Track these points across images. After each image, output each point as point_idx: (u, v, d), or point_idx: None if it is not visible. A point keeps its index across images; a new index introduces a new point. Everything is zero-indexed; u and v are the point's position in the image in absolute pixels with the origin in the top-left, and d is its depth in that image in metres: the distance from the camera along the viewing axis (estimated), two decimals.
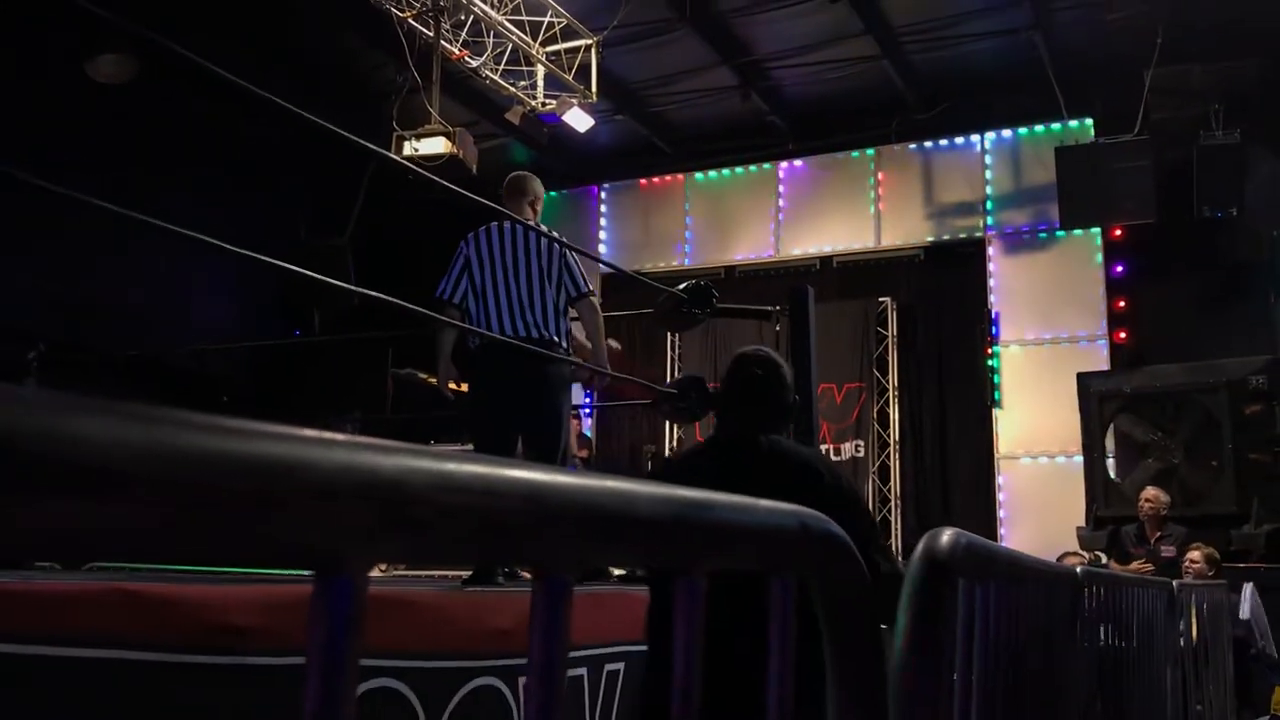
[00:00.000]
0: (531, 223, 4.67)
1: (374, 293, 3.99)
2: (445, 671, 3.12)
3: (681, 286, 5.46)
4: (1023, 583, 1.84)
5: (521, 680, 3.32)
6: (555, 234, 4.67)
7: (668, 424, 12.04)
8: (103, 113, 9.19)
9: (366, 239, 11.03)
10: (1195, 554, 6.94)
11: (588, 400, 11.31)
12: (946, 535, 1.11)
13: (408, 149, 8.41)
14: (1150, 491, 7.86)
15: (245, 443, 0.36)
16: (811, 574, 0.81)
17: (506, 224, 4.70)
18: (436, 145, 8.42)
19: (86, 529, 0.33)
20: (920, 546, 1.09)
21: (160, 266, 9.73)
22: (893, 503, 11.45)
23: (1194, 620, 5.03)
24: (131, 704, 2.41)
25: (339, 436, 0.38)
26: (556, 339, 4.51)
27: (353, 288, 4.30)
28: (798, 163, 12.34)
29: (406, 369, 11.44)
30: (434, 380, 11.02)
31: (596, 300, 4.64)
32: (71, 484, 0.32)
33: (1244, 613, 5.11)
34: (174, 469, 0.33)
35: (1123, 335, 10.76)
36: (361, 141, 3.99)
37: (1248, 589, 5.44)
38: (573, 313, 4.77)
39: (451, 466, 0.42)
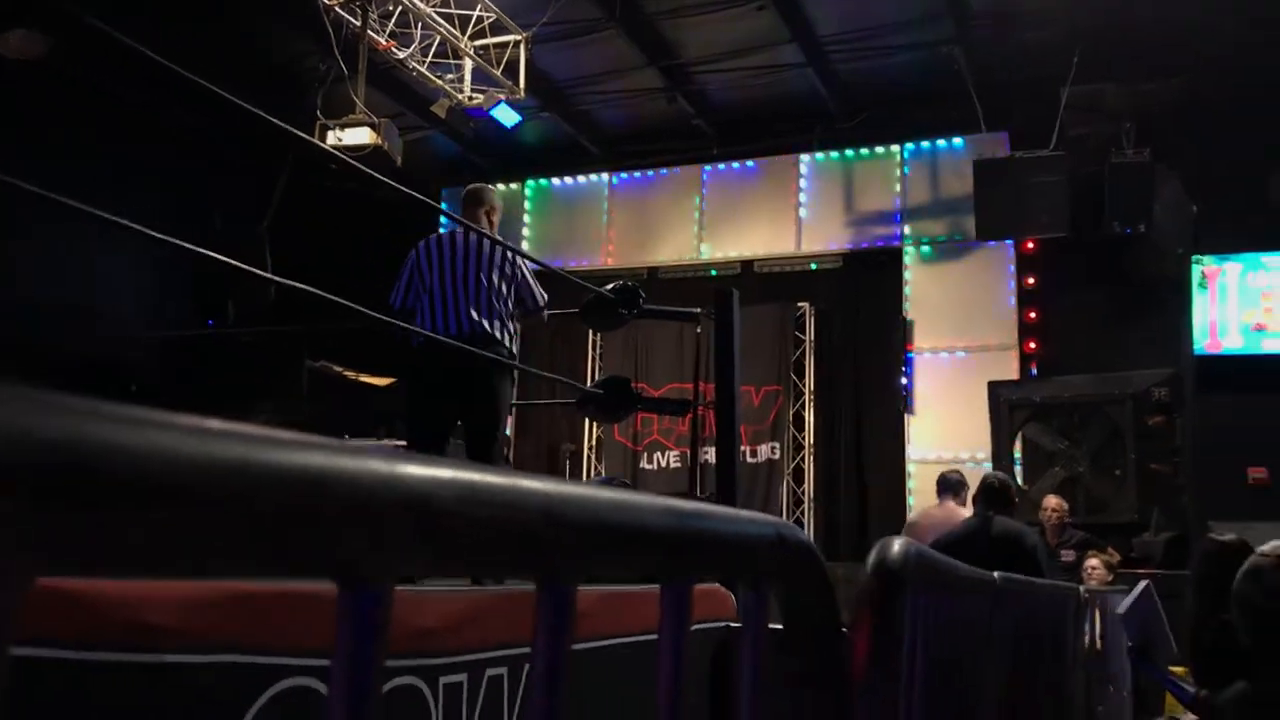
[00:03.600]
0: (487, 232, 4.66)
1: (294, 282, 3.92)
2: None
3: (609, 286, 5.45)
4: (956, 592, 1.87)
5: (442, 680, 3.28)
6: (507, 245, 4.66)
7: (588, 423, 12.03)
8: (11, 89, 8.89)
9: (285, 230, 10.83)
10: (1094, 560, 7.10)
11: None
12: (897, 545, 1.12)
13: (331, 139, 8.28)
14: (1051, 500, 8.07)
15: (279, 453, 0.35)
16: (780, 580, 0.82)
17: (459, 231, 4.71)
18: (361, 135, 8.30)
19: (118, 544, 0.32)
20: (873, 556, 1.10)
21: (69, 252, 9.43)
22: (806, 505, 11.59)
23: (1096, 625, 5.17)
24: (42, 703, 2.33)
25: (371, 447, 0.37)
26: (500, 338, 4.51)
27: (271, 276, 4.21)
28: (721, 166, 12.42)
29: (322, 362, 11.26)
30: (350, 374, 10.87)
31: (548, 314, 4.68)
32: (111, 499, 0.31)
33: (1121, 608, 5.28)
34: (213, 481, 0.32)
35: (1033, 345, 11.04)
36: (283, 125, 3.91)
37: (1139, 587, 5.62)
38: None
39: (478, 478, 0.41)
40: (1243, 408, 9.27)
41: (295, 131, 4.01)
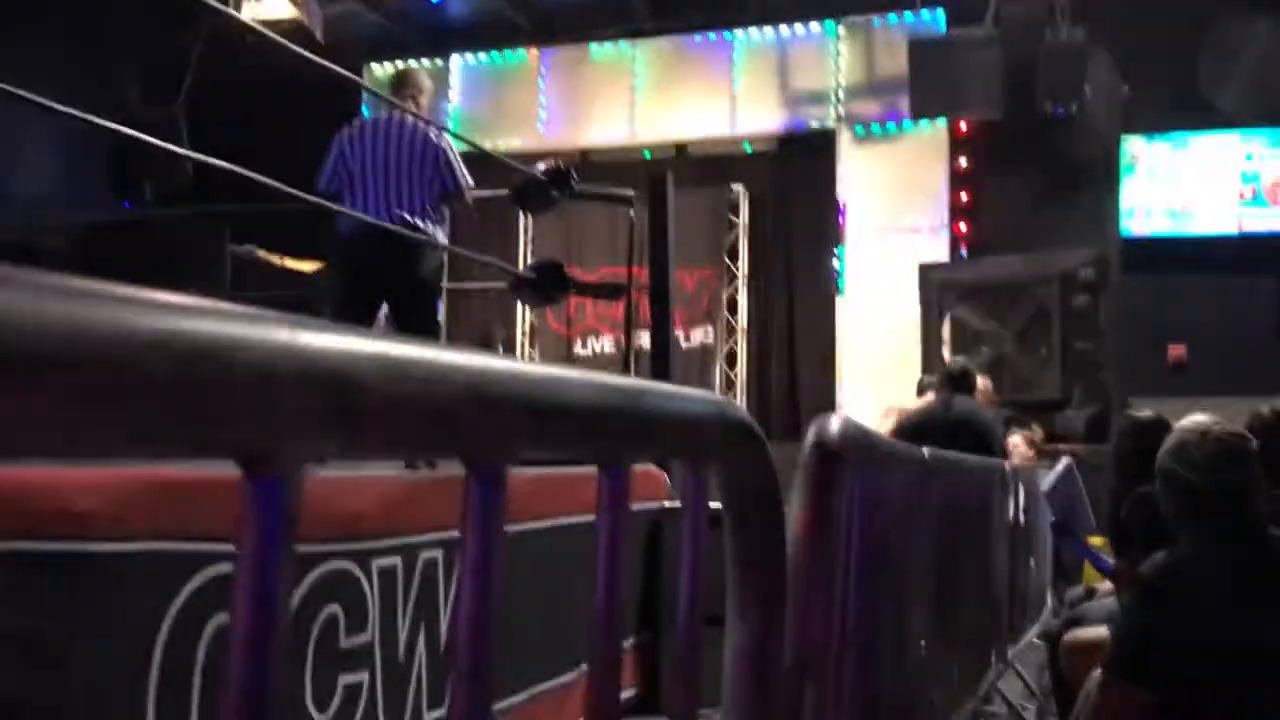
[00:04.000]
0: (413, 111, 4.50)
1: (211, 159, 3.77)
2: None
3: (540, 168, 5.33)
4: (889, 468, 1.88)
5: (376, 563, 3.28)
6: (439, 126, 4.51)
7: (520, 308, 11.94)
8: None
9: (202, 106, 10.41)
10: (1016, 438, 7.21)
11: None
12: (836, 423, 1.11)
13: (247, 11, 7.92)
14: (980, 383, 8.20)
15: (171, 319, 0.30)
16: (722, 458, 0.79)
17: (384, 117, 4.58)
18: (279, 9, 7.96)
19: None
20: (811, 434, 1.09)
21: None
22: (739, 387, 11.70)
23: (1020, 500, 5.31)
24: None
25: (278, 315, 0.33)
26: (424, 225, 4.40)
27: (190, 153, 4.05)
28: (654, 44, 12.14)
29: (246, 245, 10.98)
30: (276, 259, 10.62)
31: (472, 196, 4.52)
32: None
33: (1045, 485, 5.45)
34: (94, 350, 0.27)
35: (964, 227, 11.10)
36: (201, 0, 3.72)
37: (1060, 464, 5.81)
38: None
39: (398, 352, 0.37)
40: (1165, 288, 9.46)
41: (207, 1, 3.81)
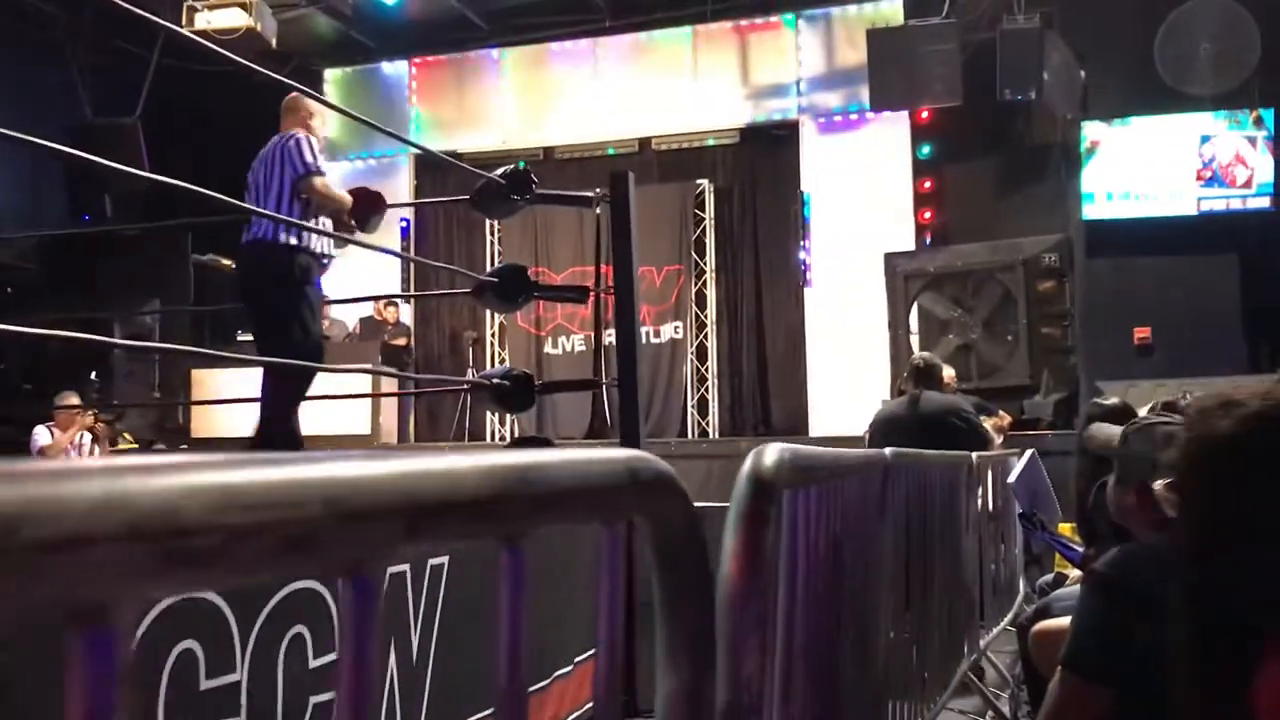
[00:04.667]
0: (303, 134, 4.40)
1: (165, 178, 3.72)
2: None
3: (499, 171, 5.29)
4: (840, 477, 1.89)
5: (340, 583, 3.26)
6: (298, 133, 4.40)
7: (489, 311, 11.91)
8: None
9: (159, 116, 10.31)
10: (984, 424, 7.22)
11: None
12: (771, 454, 1.10)
13: (200, 21, 7.84)
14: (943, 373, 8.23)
15: None
16: (642, 515, 0.79)
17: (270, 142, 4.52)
18: (232, 17, 7.89)
19: None
20: (746, 466, 1.08)
21: None
22: (710, 382, 11.72)
23: (989, 488, 5.34)
24: None
25: (89, 464, 0.32)
26: (284, 241, 4.29)
27: (143, 173, 3.99)
28: (615, 40, 12.11)
29: (209, 254, 10.88)
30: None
31: (321, 180, 4.35)
32: None
33: (1011, 477, 5.48)
34: None
35: (928, 215, 11.16)
36: (145, 14, 3.67)
37: (1026, 455, 5.83)
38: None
39: (237, 478, 0.36)
40: (1128, 270, 9.53)
41: (152, 18, 3.76)
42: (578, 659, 3.94)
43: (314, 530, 0.40)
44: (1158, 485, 2.25)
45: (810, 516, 1.50)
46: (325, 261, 4.47)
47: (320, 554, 0.40)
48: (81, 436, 7.85)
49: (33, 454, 7.68)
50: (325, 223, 4.43)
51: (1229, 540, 1.01)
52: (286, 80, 4.26)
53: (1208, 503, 1.06)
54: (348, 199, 4.45)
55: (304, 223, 4.31)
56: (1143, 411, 3.26)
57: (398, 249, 12.01)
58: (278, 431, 4.30)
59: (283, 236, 4.32)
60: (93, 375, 9.92)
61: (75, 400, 7.85)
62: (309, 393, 4.85)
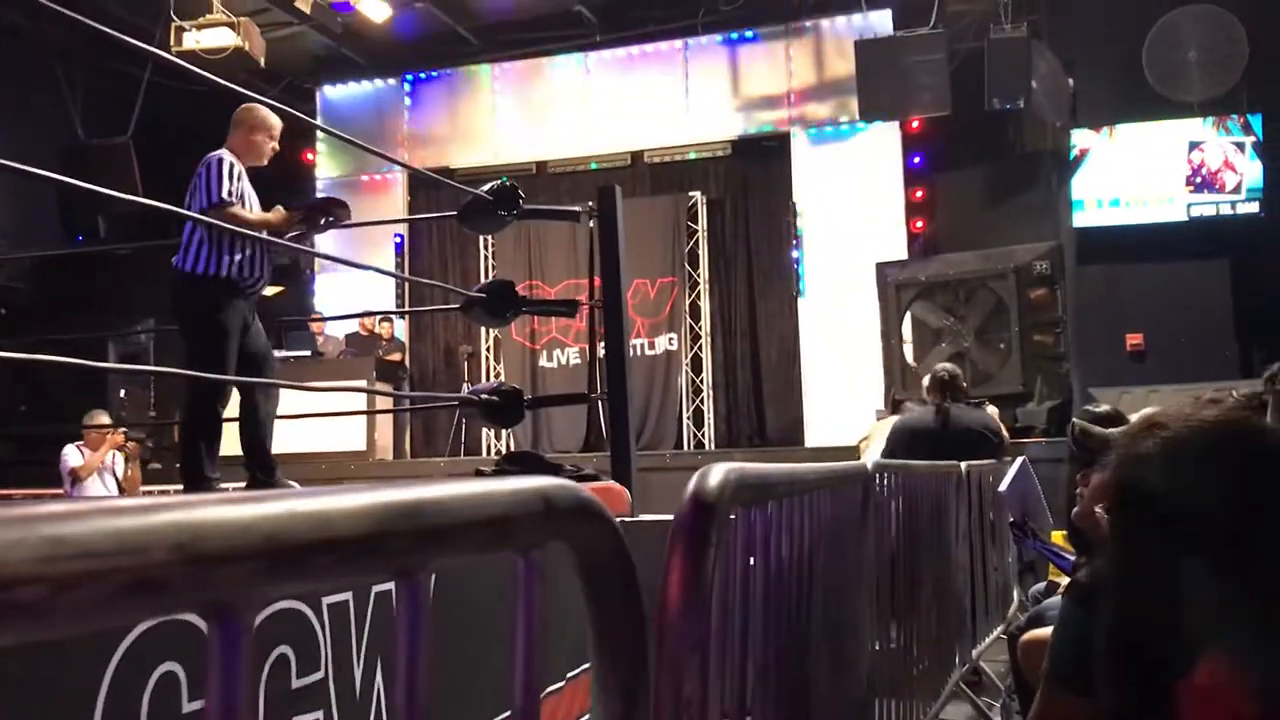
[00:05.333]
0: (224, 156, 4.28)
1: (156, 203, 3.73)
2: None
3: (486, 188, 5.30)
4: (805, 492, 1.88)
5: (326, 601, 3.25)
6: (216, 156, 4.27)
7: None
8: None
9: (151, 135, 10.33)
10: None
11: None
12: (716, 475, 1.10)
13: (189, 41, 7.85)
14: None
15: None
16: (563, 542, 0.79)
17: None
18: (220, 37, 7.89)
19: None
20: (690, 486, 1.08)
21: None
22: (705, 392, 11.72)
23: (980, 498, 5.33)
24: None
25: None
26: (187, 268, 4.18)
27: (133, 197, 3.99)
28: (606, 54, 12.15)
29: None
30: None
31: (230, 211, 4.16)
32: None
33: (1002, 486, 5.47)
34: None
35: (920, 224, 11.17)
36: (130, 41, 3.68)
37: (1016, 463, 5.82)
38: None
39: (64, 530, 0.36)
40: (1119, 277, 9.55)
41: (138, 44, 3.77)
42: (569, 674, 3.94)
43: (157, 576, 0.40)
44: (1098, 509, 2.24)
45: (768, 533, 1.50)
46: (245, 285, 4.30)
47: (166, 600, 0.40)
48: (113, 456, 7.79)
49: (63, 474, 7.57)
50: (247, 247, 4.26)
51: (1143, 572, 1.00)
52: (268, 100, 4.28)
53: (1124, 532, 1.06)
54: (270, 217, 4.32)
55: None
56: (1133, 419, 3.25)
57: (392, 265, 12.03)
58: (187, 480, 4.20)
59: (189, 265, 4.20)
60: (122, 393, 9.90)
61: (105, 419, 7.80)
62: (283, 411, 4.80)
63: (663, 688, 0.94)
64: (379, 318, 10.99)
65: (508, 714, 3.70)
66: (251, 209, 4.32)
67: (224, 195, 4.16)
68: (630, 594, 0.84)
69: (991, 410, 7.74)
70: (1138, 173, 9.46)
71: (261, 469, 4.41)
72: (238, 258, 4.23)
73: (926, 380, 6.60)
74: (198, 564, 0.41)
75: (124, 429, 8.07)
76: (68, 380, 9.39)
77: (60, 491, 7.68)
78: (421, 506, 0.55)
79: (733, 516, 1.33)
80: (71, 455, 7.57)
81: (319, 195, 4.53)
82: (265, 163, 4.41)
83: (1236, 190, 9.33)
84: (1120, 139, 9.56)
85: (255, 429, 4.40)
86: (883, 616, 3.22)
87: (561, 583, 0.80)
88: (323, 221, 4.46)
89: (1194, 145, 9.34)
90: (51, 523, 0.36)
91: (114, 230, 10.60)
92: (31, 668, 2.35)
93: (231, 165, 4.25)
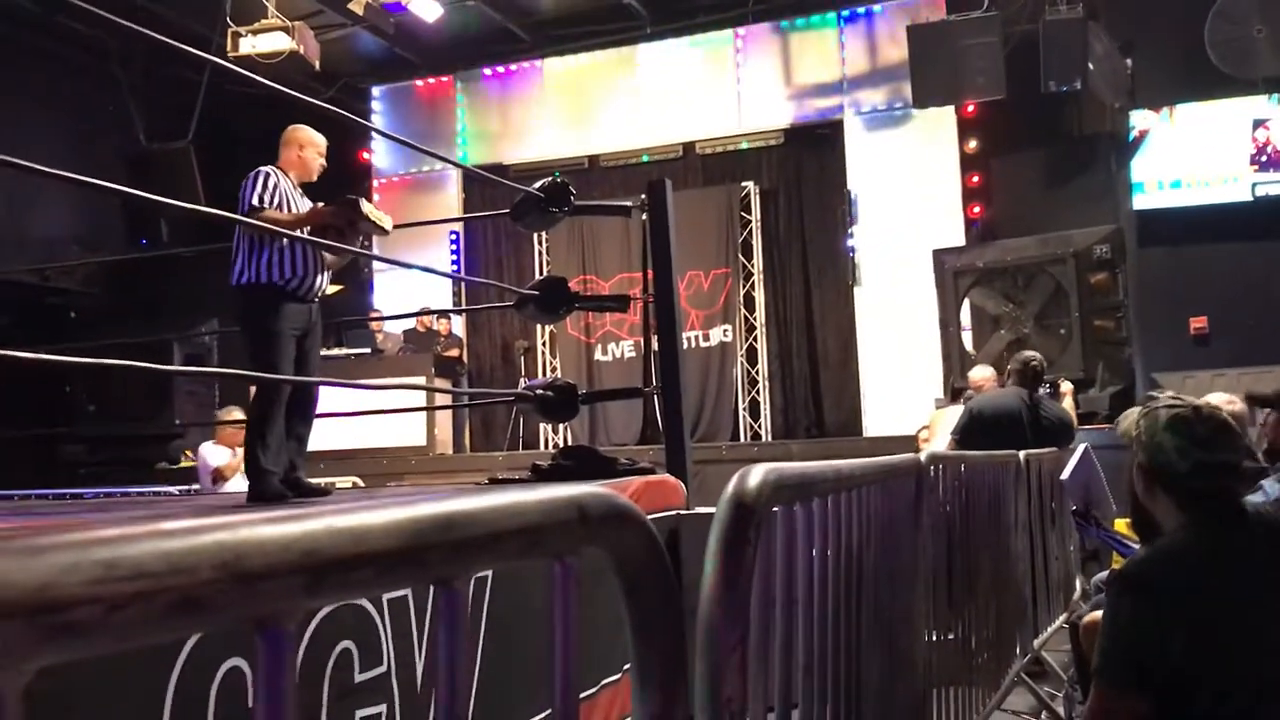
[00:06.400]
0: (265, 169, 4.39)
1: (214, 210, 3.82)
2: None
3: (538, 185, 5.35)
4: (852, 488, 1.89)
5: (386, 596, 3.32)
6: (258, 170, 4.37)
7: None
8: None
9: (212, 139, 10.53)
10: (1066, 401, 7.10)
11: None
12: (755, 476, 1.12)
13: (245, 46, 7.99)
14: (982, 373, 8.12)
15: None
16: (599, 548, 0.81)
17: None
18: (275, 41, 8.02)
19: None
20: (729, 488, 1.10)
21: None
22: (761, 384, 11.69)
23: (1040, 487, 5.28)
24: None
25: None
26: (237, 276, 4.31)
27: (186, 205, 4.08)
28: (656, 46, 12.15)
29: None
30: None
31: (262, 215, 4.24)
32: None
33: (1064, 474, 5.41)
34: None
35: (977, 210, 11.04)
36: (186, 48, 3.78)
37: (1079, 450, 5.75)
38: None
39: (117, 553, 0.39)
40: (1182, 260, 9.37)
41: (195, 51, 3.86)
42: (608, 679, 3.98)
43: (203, 594, 0.43)
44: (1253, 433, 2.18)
45: (810, 531, 1.52)
46: (293, 289, 4.39)
47: (212, 616, 0.44)
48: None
49: (202, 473, 7.56)
50: (286, 250, 4.36)
51: None
52: (321, 103, 4.35)
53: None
54: (302, 215, 4.41)
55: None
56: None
57: (448, 261, 12.15)
58: (250, 473, 4.32)
59: (236, 278, 4.33)
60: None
61: (239, 415, 7.84)
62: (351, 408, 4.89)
63: (704, 689, 0.96)
64: (436, 314, 11.12)
65: (548, 712, 3.75)
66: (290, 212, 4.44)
67: (254, 202, 4.28)
68: (667, 595, 0.86)
69: (1067, 388, 7.81)
70: (1199, 152, 9.27)
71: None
72: (277, 261, 4.32)
73: (1014, 365, 6.58)
74: (241, 581, 0.44)
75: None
76: (134, 382, 9.61)
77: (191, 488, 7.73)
78: (454, 519, 0.57)
79: (775, 514, 1.34)
80: (212, 454, 7.49)
81: (347, 196, 4.56)
82: (314, 178, 4.54)
83: None
84: (1181, 119, 9.38)
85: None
86: (940, 608, 3.21)
87: (603, 588, 0.83)
88: (359, 240, 4.56)
89: (1258, 123, 9.13)
90: (105, 546, 0.39)
91: (176, 234, 10.83)
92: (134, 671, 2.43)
93: (268, 175, 4.37)
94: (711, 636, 0.99)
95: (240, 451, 7.65)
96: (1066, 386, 7.74)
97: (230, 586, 0.44)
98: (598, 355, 12.03)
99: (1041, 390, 6.67)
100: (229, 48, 8.12)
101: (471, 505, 0.61)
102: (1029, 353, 6.68)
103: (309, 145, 4.61)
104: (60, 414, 10.02)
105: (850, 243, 11.31)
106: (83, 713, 2.15)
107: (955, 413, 7.05)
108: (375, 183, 12.73)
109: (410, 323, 11.15)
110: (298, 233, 4.30)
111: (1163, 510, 2.41)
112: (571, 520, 0.72)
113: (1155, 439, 2.38)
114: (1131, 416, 2.51)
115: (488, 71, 12.77)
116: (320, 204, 4.48)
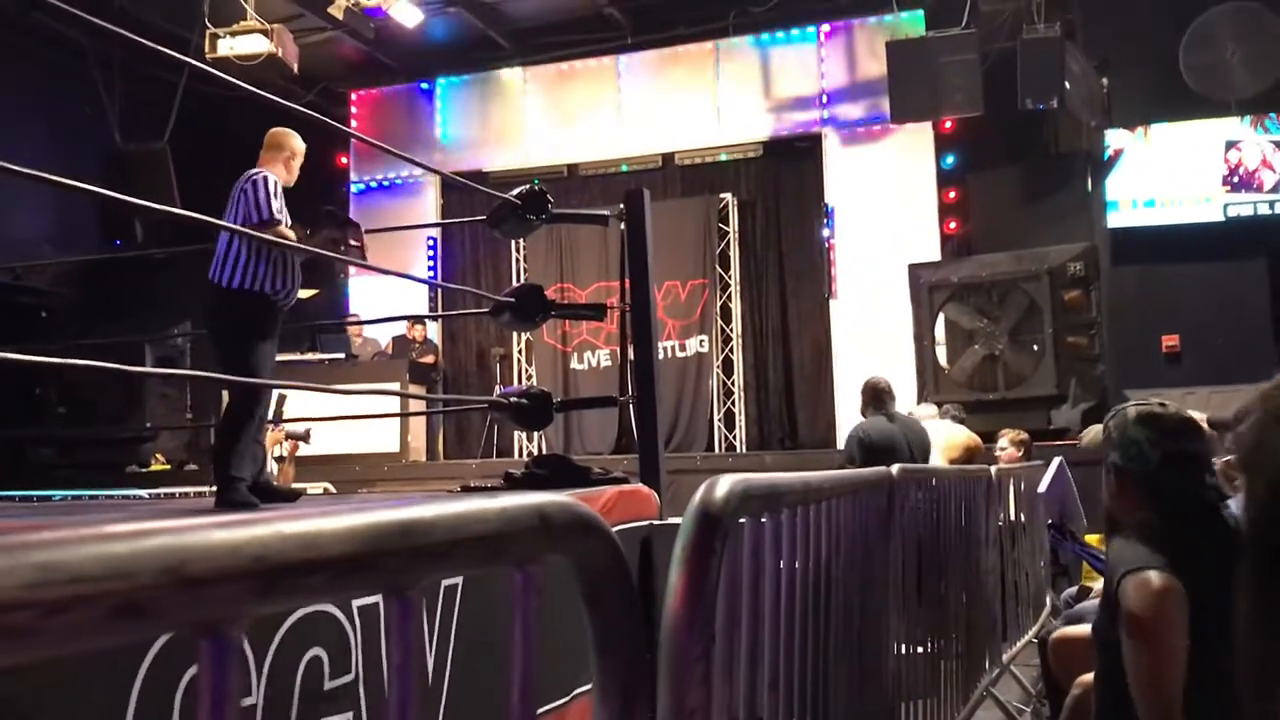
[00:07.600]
0: (270, 175, 4.37)
1: (190, 213, 3.79)
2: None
3: (515, 192, 5.35)
4: (822, 500, 1.89)
5: (355, 604, 3.29)
6: (262, 174, 4.36)
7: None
8: None
9: (188, 140, 10.46)
10: (1002, 440, 6.94)
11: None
12: (722, 486, 1.12)
13: (223, 48, 7.95)
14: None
15: None
16: (560, 556, 0.81)
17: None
18: (254, 44, 7.98)
19: None
20: (695, 499, 1.10)
21: None
22: (736, 395, 11.71)
23: (1011, 502, 5.30)
24: None
25: None
26: (221, 282, 4.28)
27: (168, 208, 4.05)
28: (637, 57, 12.17)
29: None
30: None
31: (279, 229, 4.24)
32: None
33: (1041, 488, 5.43)
34: None
35: (953, 225, 11.11)
36: (164, 50, 3.75)
37: (1054, 464, 5.78)
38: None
39: (55, 556, 0.39)
40: (1155, 278, 9.45)
41: (172, 53, 3.83)
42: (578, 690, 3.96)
43: (145, 599, 0.42)
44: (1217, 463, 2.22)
45: (780, 543, 1.51)
46: (284, 300, 4.42)
47: (156, 621, 0.43)
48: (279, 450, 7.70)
49: None
50: (284, 263, 4.37)
51: None
52: (299, 107, 4.33)
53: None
54: (307, 236, 4.45)
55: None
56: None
57: (425, 266, 12.12)
58: (218, 479, 4.29)
59: (227, 279, 4.29)
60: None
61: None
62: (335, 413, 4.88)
63: (667, 700, 0.96)
64: (411, 320, 11.09)
65: (551, 706, 3.74)
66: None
67: (274, 213, 4.29)
68: (629, 604, 0.86)
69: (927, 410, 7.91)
70: (1173, 173, 9.37)
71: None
72: (276, 273, 4.33)
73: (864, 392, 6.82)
74: (186, 586, 0.43)
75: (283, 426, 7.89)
76: (105, 384, 9.53)
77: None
78: (412, 525, 0.57)
79: (742, 525, 1.34)
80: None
81: (327, 208, 4.56)
82: (292, 183, 4.55)
83: (1275, 189, 9.22)
84: (1155, 139, 9.47)
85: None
86: (910, 621, 3.22)
87: (564, 598, 0.82)
88: (341, 249, 4.55)
89: (1231, 144, 9.23)
90: (44, 550, 0.38)
91: (150, 235, 10.75)
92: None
93: (277, 184, 4.39)
94: (675, 646, 0.99)
95: (283, 448, 7.58)
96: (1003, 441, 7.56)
97: (175, 591, 0.43)
98: (574, 364, 12.01)
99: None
100: (207, 49, 8.07)
101: (430, 512, 0.60)
102: (873, 376, 6.83)
103: (298, 155, 4.63)
104: (30, 416, 9.92)
105: (827, 255, 11.35)
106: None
107: (932, 426, 7.09)
108: (352, 188, 12.69)
109: (400, 329, 11.15)
110: (300, 246, 4.32)
111: (1134, 511, 2.43)
112: (534, 528, 0.72)
113: (1126, 434, 2.43)
114: (1094, 430, 2.57)
115: (467, 78, 12.76)
116: (325, 230, 4.49)
